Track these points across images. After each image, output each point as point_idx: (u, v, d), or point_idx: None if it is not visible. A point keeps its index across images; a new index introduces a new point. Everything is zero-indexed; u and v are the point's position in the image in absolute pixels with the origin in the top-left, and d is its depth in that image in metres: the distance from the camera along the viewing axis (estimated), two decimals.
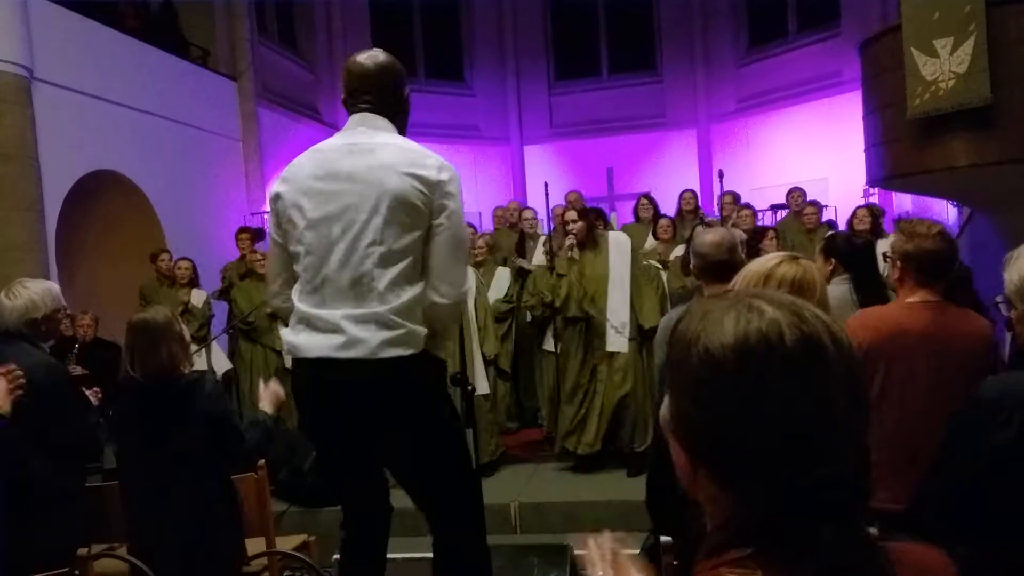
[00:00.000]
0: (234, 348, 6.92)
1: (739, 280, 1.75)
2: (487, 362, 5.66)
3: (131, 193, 7.98)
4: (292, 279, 2.38)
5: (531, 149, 13.22)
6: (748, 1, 12.40)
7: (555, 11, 13.35)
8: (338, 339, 2.19)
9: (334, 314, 2.20)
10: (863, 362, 0.77)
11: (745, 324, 0.73)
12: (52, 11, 6.92)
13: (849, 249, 3.43)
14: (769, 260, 1.73)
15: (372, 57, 2.37)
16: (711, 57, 12.56)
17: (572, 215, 5.43)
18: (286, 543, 3.42)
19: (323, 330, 2.21)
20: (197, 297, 6.79)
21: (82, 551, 2.84)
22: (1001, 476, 1.62)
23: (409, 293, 2.22)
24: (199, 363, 6.47)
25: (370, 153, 2.23)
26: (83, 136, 7.23)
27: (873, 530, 2.23)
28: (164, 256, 7.07)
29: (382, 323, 2.18)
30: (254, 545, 3.19)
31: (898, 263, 2.44)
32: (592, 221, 5.38)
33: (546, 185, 7.94)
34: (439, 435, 2.35)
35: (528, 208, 7.73)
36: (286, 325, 2.39)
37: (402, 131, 2.39)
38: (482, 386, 5.51)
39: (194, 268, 6.92)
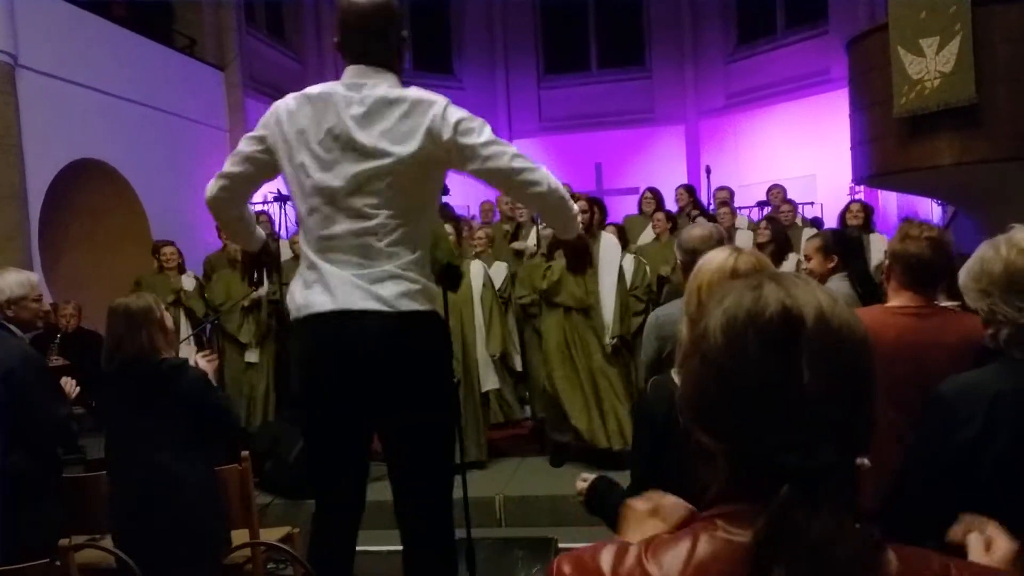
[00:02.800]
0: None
1: (702, 280, 1.67)
2: (493, 359, 5.52)
3: (116, 182, 7.93)
4: (239, 187, 2.42)
5: (520, 143, 13.08)
6: None
7: (544, 5, 13.34)
8: (354, 294, 2.18)
9: (344, 270, 2.20)
10: (864, 345, 0.80)
11: (737, 303, 0.79)
12: None
13: (849, 245, 3.54)
14: (727, 258, 1.69)
15: None
16: (700, 53, 12.60)
17: (582, 204, 5.19)
18: (270, 535, 3.40)
19: (336, 286, 2.20)
20: (188, 283, 6.67)
21: (64, 542, 2.82)
22: (963, 475, 1.61)
23: (417, 252, 2.24)
24: (186, 353, 6.42)
25: (372, 108, 2.20)
26: (68, 124, 7.17)
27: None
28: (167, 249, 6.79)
29: (397, 277, 2.19)
30: (238, 536, 3.18)
31: (888, 261, 2.43)
32: (597, 217, 5.33)
33: None
34: (440, 398, 2.34)
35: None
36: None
37: (400, 73, 2.35)
38: (490, 382, 5.47)
39: (180, 252, 6.80)
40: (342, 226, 2.20)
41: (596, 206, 5.40)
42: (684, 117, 12.69)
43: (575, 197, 5.82)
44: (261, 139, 2.33)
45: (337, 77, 2.39)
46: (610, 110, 12.74)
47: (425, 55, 13.05)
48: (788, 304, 0.77)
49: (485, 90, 13.20)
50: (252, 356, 6.34)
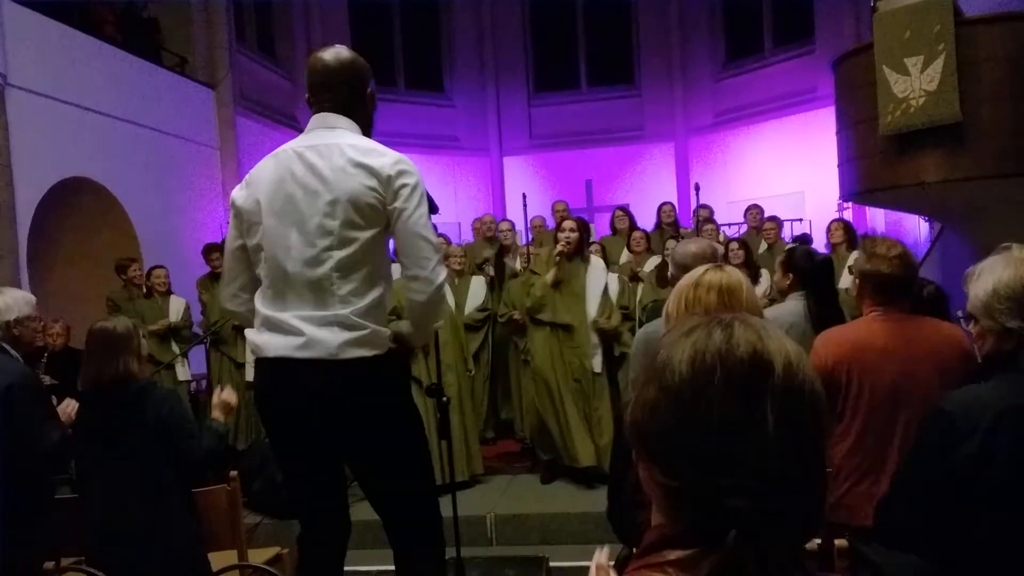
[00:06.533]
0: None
1: (673, 293, 1.80)
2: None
3: (105, 201, 7.89)
4: (250, 282, 2.39)
5: (510, 160, 13.26)
6: (725, 17, 12.57)
7: (534, 23, 13.43)
8: (298, 340, 2.18)
9: (295, 315, 2.20)
10: (821, 401, 0.79)
11: (706, 339, 0.78)
12: (27, 17, 6.84)
13: (807, 265, 3.42)
14: (697, 270, 1.80)
15: (335, 54, 2.35)
16: (689, 71, 12.69)
17: (571, 224, 5.27)
18: (258, 556, 3.38)
19: (284, 331, 2.21)
20: (176, 306, 6.70)
21: (48, 565, 2.79)
22: (963, 489, 1.62)
23: (371, 295, 2.22)
24: (181, 374, 6.51)
25: (325, 155, 2.22)
26: (57, 143, 7.15)
27: (841, 542, 2.22)
28: (135, 266, 6.86)
29: (344, 324, 2.17)
30: (225, 558, 3.16)
31: (857, 280, 2.49)
32: (585, 238, 5.37)
33: (524, 196, 7.95)
34: (399, 439, 2.32)
35: (505, 220, 7.71)
36: (243, 330, 2.37)
37: (366, 129, 2.37)
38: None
39: (167, 275, 6.85)
40: (292, 269, 2.20)
41: (585, 229, 5.41)
42: (673, 134, 12.77)
43: (566, 216, 5.88)
44: (236, 212, 2.36)
45: None
46: (600, 127, 12.80)
47: (416, 72, 13.11)
48: (759, 349, 0.77)
49: (475, 108, 13.26)
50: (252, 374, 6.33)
